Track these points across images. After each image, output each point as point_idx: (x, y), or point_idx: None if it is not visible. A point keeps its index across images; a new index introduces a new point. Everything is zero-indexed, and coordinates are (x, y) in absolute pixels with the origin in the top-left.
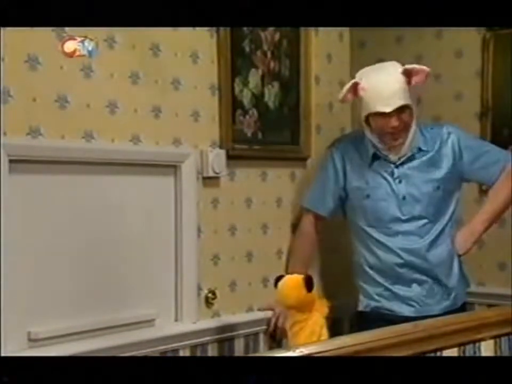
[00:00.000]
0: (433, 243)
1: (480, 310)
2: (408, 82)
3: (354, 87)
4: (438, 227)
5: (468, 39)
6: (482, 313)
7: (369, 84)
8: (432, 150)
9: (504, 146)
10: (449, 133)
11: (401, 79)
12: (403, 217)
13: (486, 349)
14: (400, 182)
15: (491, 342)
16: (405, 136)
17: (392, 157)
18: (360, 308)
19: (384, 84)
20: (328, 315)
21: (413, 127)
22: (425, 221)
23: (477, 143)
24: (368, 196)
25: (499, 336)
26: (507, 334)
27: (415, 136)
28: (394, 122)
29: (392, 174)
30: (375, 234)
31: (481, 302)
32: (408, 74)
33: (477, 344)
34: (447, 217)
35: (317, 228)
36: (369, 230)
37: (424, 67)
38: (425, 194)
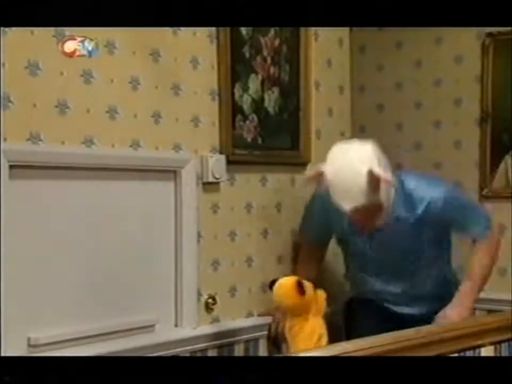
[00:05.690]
0: (414, 287)
1: (480, 315)
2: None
3: (320, 175)
4: (421, 272)
5: (468, 45)
6: (482, 319)
7: (333, 176)
8: (412, 216)
9: (503, 151)
10: (431, 198)
11: (365, 177)
12: (379, 270)
13: (486, 355)
14: (376, 250)
15: (491, 348)
16: (374, 220)
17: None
18: (351, 295)
19: (346, 181)
20: (326, 308)
21: (389, 200)
22: (402, 274)
23: (459, 209)
24: (347, 241)
25: (499, 342)
26: (507, 340)
27: (392, 206)
28: (356, 216)
29: (369, 241)
30: (358, 270)
31: (481, 308)
32: (372, 176)
33: (477, 350)
34: (431, 265)
35: (317, 255)
36: (353, 262)
37: (385, 176)
38: (400, 259)
